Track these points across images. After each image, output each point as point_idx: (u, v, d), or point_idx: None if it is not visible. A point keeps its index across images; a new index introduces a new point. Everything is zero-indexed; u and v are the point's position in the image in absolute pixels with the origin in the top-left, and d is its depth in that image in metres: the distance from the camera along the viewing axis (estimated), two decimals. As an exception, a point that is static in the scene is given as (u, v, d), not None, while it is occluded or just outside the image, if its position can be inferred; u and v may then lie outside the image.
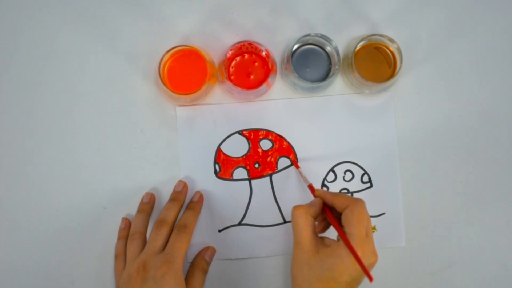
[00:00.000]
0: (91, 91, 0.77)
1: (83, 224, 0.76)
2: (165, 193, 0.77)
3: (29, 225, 0.76)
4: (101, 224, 0.76)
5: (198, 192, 0.76)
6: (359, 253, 0.60)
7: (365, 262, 0.60)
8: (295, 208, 0.65)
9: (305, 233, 0.63)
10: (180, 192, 0.75)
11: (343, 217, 0.63)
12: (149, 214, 0.75)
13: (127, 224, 0.76)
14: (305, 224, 0.64)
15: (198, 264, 0.74)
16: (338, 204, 0.64)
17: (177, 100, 0.76)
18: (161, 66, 0.72)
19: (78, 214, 0.76)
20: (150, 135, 0.77)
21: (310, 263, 0.62)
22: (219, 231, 0.77)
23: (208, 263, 0.75)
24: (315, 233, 0.64)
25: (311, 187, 0.69)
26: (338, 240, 0.63)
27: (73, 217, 0.76)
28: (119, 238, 0.76)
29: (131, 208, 0.76)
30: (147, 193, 0.76)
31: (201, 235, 0.77)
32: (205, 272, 0.75)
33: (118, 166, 0.77)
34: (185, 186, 0.76)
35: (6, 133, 0.76)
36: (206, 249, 0.76)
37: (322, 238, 0.65)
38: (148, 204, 0.75)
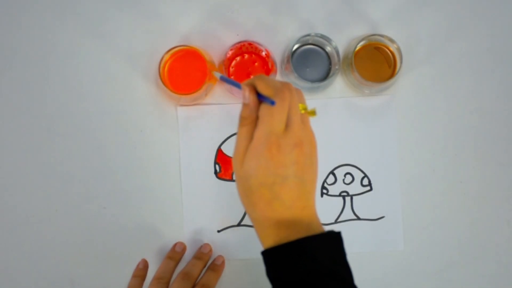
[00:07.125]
0: (91, 91, 0.77)
1: (83, 224, 0.76)
2: (165, 194, 0.77)
3: (29, 225, 0.76)
4: (101, 224, 0.76)
5: (220, 256, 0.76)
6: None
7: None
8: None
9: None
10: (205, 254, 0.75)
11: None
12: (177, 262, 0.75)
13: (145, 265, 0.76)
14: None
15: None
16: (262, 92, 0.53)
17: (177, 100, 0.76)
18: (161, 66, 0.72)
19: (78, 214, 0.76)
20: (150, 135, 0.77)
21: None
22: (218, 231, 0.77)
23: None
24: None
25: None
26: None
27: (73, 217, 0.76)
28: (134, 276, 0.75)
29: (131, 208, 0.76)
30: (180, 243, 0.76)
31: (200, 235, 0.77)
32: None
33: (118, 166, 0.77)
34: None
35: (6, 133, 0.76)
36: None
37: None
38: (180, 254, 0.75)
